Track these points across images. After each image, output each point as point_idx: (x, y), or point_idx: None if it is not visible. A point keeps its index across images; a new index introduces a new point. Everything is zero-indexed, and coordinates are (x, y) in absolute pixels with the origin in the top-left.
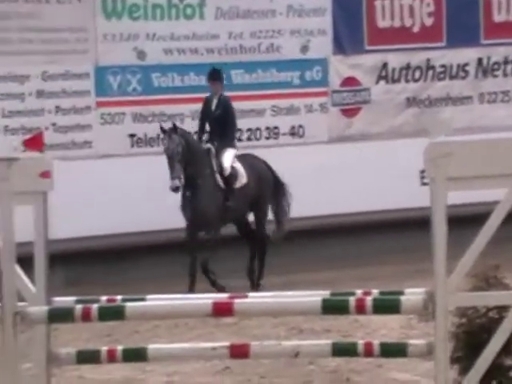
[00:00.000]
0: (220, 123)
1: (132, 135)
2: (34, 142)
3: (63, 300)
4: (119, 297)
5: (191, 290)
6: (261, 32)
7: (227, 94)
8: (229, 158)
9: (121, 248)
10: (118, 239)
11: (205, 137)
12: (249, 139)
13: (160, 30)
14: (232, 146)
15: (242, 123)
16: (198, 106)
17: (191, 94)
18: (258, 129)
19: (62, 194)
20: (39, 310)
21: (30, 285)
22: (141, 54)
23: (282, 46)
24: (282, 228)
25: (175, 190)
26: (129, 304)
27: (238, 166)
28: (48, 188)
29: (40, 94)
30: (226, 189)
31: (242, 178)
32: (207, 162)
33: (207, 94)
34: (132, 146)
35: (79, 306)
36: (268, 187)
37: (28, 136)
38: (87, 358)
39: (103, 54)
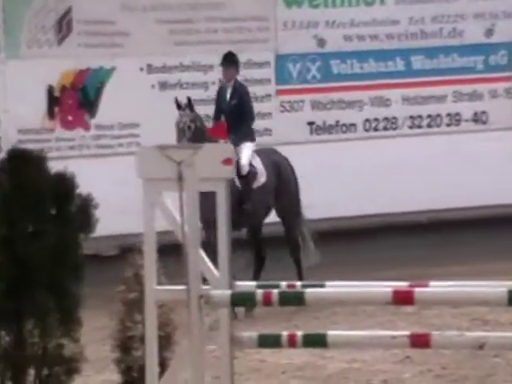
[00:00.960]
0: (236, 114)
1: (311, 123)
2: (217, 130)
3: (245, 284)
4: (298, 283)
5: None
6: (442, 16)
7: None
8: (247, 154)
9: None
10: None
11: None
12: (429, 126)
13: (340, 16)
14: (250, 139)
15: (421, 110)
16: (377, 93)
17: (370, 80)
18: (438, 115)
19: None
20: (222, 293)
21: (213, 269)
22: (321, 42)
23: (465, 30)
24: (308, 245)
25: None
26: (308, 290)
27: (257, 161)
28: (229, 174)
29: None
30: (243, 190)
31: (261, 177)
32: None
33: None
34: (311, 133)
35: (260, 291)
36: (289, 184)
37: (211, 124)
38: (268, 342)
39: (283, 42)
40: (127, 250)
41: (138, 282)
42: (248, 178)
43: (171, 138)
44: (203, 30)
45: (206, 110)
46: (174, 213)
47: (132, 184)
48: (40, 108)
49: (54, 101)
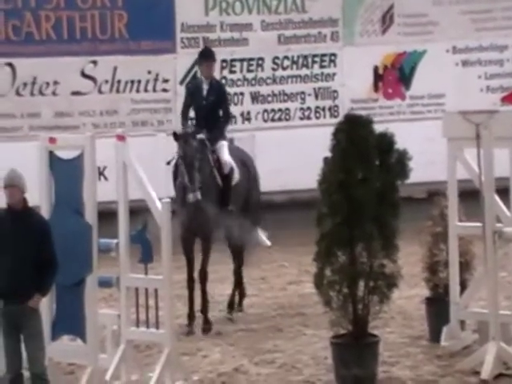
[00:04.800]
0: (213, 111)
1: None
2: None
3: None
4: None
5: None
6: None
7: None
8: (226, 152)
9: None
10: None
11: (189, 125)
12: None
13: None
14: (224, 138)
15: None
16: None
17: None
18: None
19: None
20: None
21: (505, 210)
22: None
23: None
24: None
25: (196, 203)
26: None
27: (231, 159)
28: None
29: None
30: (224, 189)
31: (236, 174)
32: (204, 156)
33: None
34: None
35: None
36: (256, 181)
37: (505, 93)
38: None
39: None
40: (434, 193)
41: (443, 219)
42: (229, 176)
43: (470, 105)
44: (499, 18)
45: (501, 83)
46: (473, 165)
47: (438, 142)
48: (368, 83)
49: (378, 77)
